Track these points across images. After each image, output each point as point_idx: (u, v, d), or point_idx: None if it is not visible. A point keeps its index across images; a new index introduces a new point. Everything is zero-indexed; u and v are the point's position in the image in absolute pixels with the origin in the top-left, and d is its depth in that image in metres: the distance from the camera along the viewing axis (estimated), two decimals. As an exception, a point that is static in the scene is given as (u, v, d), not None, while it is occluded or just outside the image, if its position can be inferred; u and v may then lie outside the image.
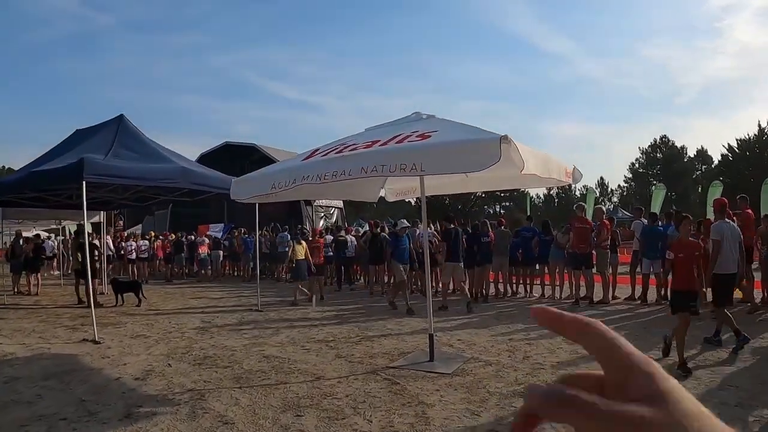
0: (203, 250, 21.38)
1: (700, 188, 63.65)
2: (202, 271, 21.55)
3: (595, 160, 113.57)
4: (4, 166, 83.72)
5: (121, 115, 12.50)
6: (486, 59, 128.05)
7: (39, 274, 16.58)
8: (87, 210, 16.55)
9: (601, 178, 78.34)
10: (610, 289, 12.64)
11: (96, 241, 16.39)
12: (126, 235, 24.24)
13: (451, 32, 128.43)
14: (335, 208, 31.55)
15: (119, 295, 13.68)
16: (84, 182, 9.32)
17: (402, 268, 12.26)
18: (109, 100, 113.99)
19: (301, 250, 13.26)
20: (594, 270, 12.62)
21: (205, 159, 31.55)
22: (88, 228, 12.13)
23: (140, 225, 35.11)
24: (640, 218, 13.30)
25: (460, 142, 5.22)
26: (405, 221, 13.83)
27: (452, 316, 10.55)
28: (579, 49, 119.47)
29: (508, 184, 8.92)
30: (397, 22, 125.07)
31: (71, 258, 15.12)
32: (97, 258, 13.88)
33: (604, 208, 13.44)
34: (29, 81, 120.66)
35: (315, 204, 28.55)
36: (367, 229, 18.65)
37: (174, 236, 22.76)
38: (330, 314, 11.67)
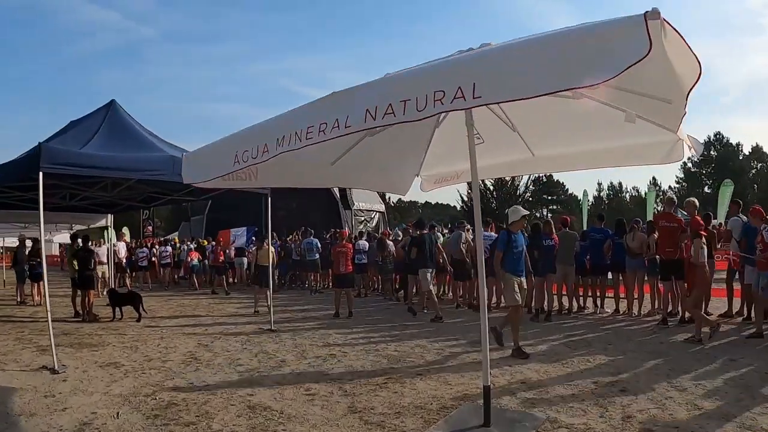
0: (193, 257, 19.81)
1: (756, 187, 58.94)
2: (194, 279, 19.79)
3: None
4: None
5: (112, 101, 10.48)
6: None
7: (39, 284, 14.67)
8: (91, 213, 14.96)
9: (654, 178, 73.93)
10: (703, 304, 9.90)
11: (103, 247, 14.51)
12: (160, 240, 22.46)
13: (487, 36, 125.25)
14: (376, 212, 29.21)
15: (117, 309, 11.64)
16: (41, 173, 7.20)
17: (428, 276, 11.40)
18: (150, 110, 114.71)
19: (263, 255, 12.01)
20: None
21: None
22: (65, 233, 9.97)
23: (176, 232, 33.74)
24: (738, 214, 10.40)
25: (548, 38, 2.74)
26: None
27: (509, 339, 8.02)
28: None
29: (602, 159, 6.04)
30: (429, 30, 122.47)
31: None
32: (91, 267, 11.79)
33: (696, 201, 10.56)
34: (72, 93, 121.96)
35: (354, 208, 26.25)
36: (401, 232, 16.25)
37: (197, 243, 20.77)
38: (356, 337, 9.28)
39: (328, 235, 17.94)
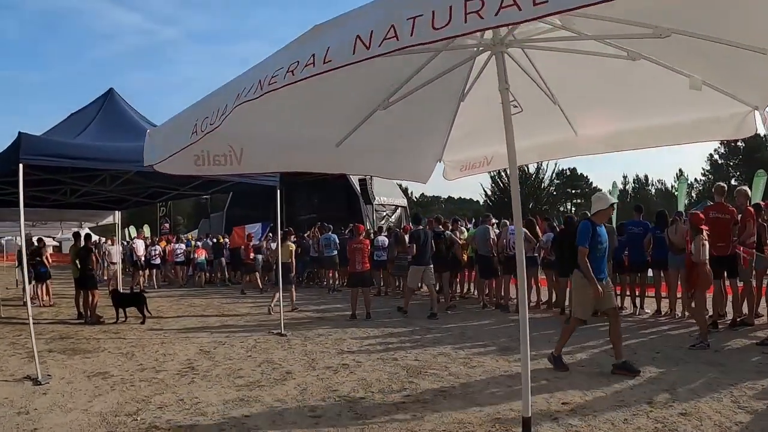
0: (200, 254, 19.34)
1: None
2: (197, 276, 19.63)
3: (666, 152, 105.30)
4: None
5: (110, 90, 9.76)
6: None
7: (47, 284, 14.03)
8: (99, 210, 14.31)
9: (680, 170, 71.63)
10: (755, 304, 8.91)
11: (109, 245, 13.83)
12: (172, 238, 21.86)
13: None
14: (398, 207, 28.24)
15: (121, 310, 10.94)
16: (21, 165, 6.47)
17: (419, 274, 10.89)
18: (178, 110, 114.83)
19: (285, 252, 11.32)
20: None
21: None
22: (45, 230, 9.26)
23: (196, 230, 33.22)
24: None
25: None
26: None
27: (542, 346, 7.04)
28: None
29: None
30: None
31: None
32: (90, 267, 11.07)
33: (747, 190, 9.45)
34: (95, 95, 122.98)
35: (376, 203, 25.30)
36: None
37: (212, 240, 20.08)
38: (372, 342, 8.42)
39: (347, 231, 17.05)
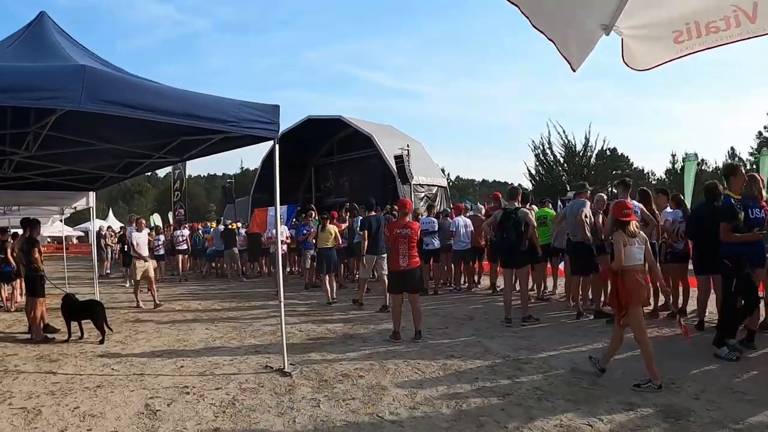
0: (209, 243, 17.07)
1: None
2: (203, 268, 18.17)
3: (717, 130, 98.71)
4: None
5: (41, 13, 6.44)
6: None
7: (13, 286, 10.94)
8: (70, 191, 11.16)
9: (732, 149, 65.94)
10: None
11: (143, 233, 10.68)
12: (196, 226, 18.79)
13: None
14: (438, 187, 24.63)
15: (75, 324, 7.75)
16: None
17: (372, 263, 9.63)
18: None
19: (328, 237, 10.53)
20: None
21: (286, 137, 25.79)
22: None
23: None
24: None
25: None
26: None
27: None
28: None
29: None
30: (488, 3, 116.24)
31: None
32: (35, 266, 7.84)
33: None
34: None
35: (414, 183, 21.82)
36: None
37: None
38: (432, 393, 4.90)
39: (383, 212, 13.53)
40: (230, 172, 56.59)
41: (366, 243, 9.56)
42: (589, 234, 7.67)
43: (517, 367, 5.52)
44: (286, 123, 26.00)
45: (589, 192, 8.26)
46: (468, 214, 11.49)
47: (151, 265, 10.97)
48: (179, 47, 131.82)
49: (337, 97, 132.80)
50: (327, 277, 10.51)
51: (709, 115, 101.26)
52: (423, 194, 23.29)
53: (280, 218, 14.36)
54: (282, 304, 5.76)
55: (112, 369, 6.12)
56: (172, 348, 7.05)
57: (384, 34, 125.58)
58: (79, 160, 8.32)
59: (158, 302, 10.50)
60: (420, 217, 11.74)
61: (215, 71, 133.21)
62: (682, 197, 8.06)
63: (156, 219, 27.68)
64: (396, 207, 7.72)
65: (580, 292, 8.19)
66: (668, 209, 8.16)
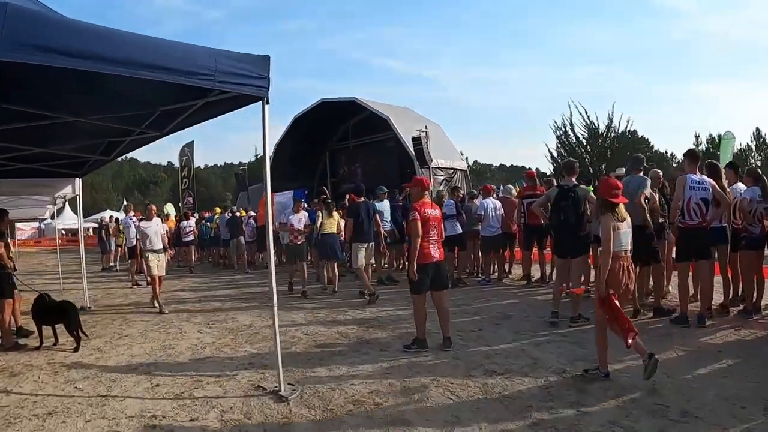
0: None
1: None
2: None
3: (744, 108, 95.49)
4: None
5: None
6: (599, 22, 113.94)
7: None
8: (55, 178, 10.02)
9: (757, 129, 63.31)
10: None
11: (152, 222, 9.22)
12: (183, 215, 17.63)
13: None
14: (457, 170, 23.26)
15: (50, 329, 6.65)
16: None
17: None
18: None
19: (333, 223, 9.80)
20: None
21: (300, 122, 24.61)
22: None
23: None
24: None
25: None
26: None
27: None
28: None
29: None
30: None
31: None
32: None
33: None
34: None
35: (433, 166, 20.53)
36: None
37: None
38: None
39: (401, 197, 12.25)
40: (246, 160, 55.65)
41: (352, 230, 9.08)
42: (649, 217, 6.34)
43: (579, 389, 4.24)
44: (300, 108, 24.92)
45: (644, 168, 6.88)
46: (497, 196, 10.17)
47: (164, 259, 9.34)
48: (192, 38, 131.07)
49: (353, 84, 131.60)
50: (327, 264, 9.96)
51: (730, 96, 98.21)
52: (442, 177, 21.97)
53: (283, 205, 13.32)
54: (275, 310, 4.49)
55: (76, 388, 4.97)
56: (154, 358, 5.88)
57: (401, 20, 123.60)
58: (51, 140, 7.16)
59: (163, 308, 8.79)
60: (443, 200, 10.48)
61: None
62: (760, 172, 6.67)
63: (169, 208, 26.75)
64: (409, 187, 6.20)
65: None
66: (740, 186, 6.81)
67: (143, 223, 9.34)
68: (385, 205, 11.00)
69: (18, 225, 38.71)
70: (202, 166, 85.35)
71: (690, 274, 6.49)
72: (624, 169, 8.95)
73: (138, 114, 6.12)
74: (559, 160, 39.61)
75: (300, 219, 10.03)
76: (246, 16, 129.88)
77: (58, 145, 7.53)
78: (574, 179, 6.67)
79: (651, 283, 7.04)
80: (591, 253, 7.10)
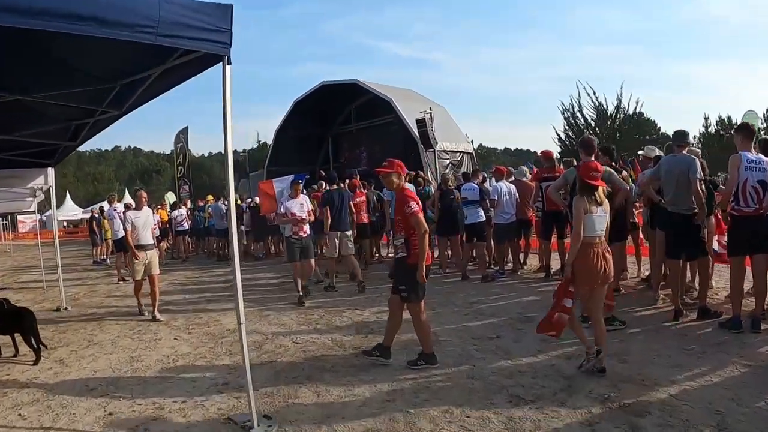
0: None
1: None
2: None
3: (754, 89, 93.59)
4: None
5: None
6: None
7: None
8: (25, 168, 9.03)
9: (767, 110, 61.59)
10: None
11: (143, 212, 7.99)
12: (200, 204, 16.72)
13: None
14: (463, 153, 22.29)
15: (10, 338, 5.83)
16: None
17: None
18: (234, 78, 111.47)
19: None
20: None
21: (301, 105, 23.69)
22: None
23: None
24: None
25: None
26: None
27: None
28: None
29: None
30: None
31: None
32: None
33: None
34: None
35: (438, 149, 19.61)
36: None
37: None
38: None
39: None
40: (249, 147, 54.65)
41: (329, 220, 8.61)
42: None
43: (631, 423, 3.32)
44: (302, 93, 23.92)
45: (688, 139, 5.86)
46: (510, 179, 9.19)
47: (156, 256, 7.83)
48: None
49: (356, 67, 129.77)
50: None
51: (738, 78, 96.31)
52: (448, 161, 21.03)
53: (280, 190, 12.30)
54: (242, 327, 3.55)
55: (19, 415, 4.13)
56: (118, 374, 5.00)
57: (404, 2, 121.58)
58: (13, 125, 6.27)
59: (158, 315, 7.44)
60: (449, 185, 9.54)
61: (233, 48, 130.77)
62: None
63: (171, 197, 25.95)
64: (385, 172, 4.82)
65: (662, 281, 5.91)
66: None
67: (131, 213, 7.76)
68: None
69: (20, 218, 38.22)
70: (206, 154, 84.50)
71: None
72: (654, 148, 7.98)
73: (97, 91, 5.22)
74: (567, 143, 38.49)
75: (302, 204, 8.17)
76: (246, 4, 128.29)
77: (22, 130, 6.64)
78: (592, 158, 5.67)
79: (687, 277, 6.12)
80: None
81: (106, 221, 14.50)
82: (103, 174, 58.24)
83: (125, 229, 7.79)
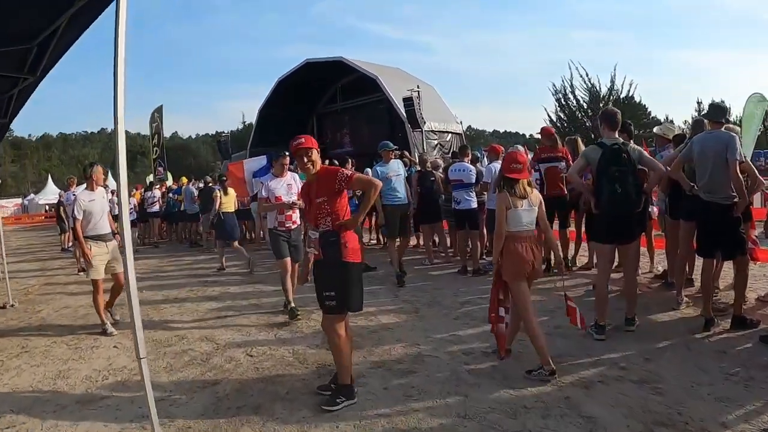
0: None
1: None
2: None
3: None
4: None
5: None
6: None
7: None
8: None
9: (762, 96, 60.81)
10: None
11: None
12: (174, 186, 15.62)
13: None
14: (452, 133, 21.26)
15: None
16: None
17: None
18: (222, 59, 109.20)
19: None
20: None
21: (285, 84, 22.53)
22: None
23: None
24: None
25: None
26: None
27: None
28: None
29: None
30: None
31: None
32: None
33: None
34: (142, 52, 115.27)
35: (426, 129, 18.57)
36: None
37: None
38: None
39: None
40: (235, 128, 52.98)
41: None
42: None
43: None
44: (286, 71, 22.70)
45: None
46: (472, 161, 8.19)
47: (117, 249, 6.00)
48: (183, 10, 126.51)
49: (346, 48, 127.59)
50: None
51: (728, 66, 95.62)
52: (436, 141, 20.00)
53: (261, 170, 11.17)
54: (144, 368, 2.53)
55: None
56: (36, 396, 4.00)
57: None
58: None
59: (118, 316, 6.21)
60: (427, 166, 8.60)
61: (222, 29, 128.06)
62: None
63: (152, 178, 24.79)
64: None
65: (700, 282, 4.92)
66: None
67: (83, 196, 5.94)
68: (393, 167, 7.54)
69: (0, 202, 36.87)
70: (193, 136, 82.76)
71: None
72: (672, 127, 7.01)
73: (17, 53, 4.17)
74: (558, 125, 37.42)
75: (289, 185, 6.09)
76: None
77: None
78: (616, 134, 4.65)
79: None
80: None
81: (63, 208, 13.35)
82: (88, 156, 56.38)
83: (74, 217, 5.99)
